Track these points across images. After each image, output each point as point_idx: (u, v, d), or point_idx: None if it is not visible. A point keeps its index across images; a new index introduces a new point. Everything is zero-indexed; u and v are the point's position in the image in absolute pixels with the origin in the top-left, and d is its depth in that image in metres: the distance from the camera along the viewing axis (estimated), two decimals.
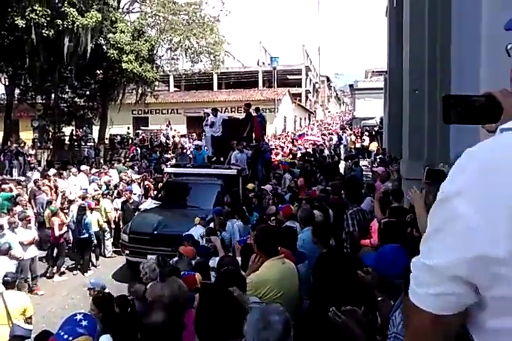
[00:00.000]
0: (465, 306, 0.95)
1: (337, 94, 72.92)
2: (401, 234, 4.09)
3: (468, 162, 0.94)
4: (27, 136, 28.86)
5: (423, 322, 0.98)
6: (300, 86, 43.16)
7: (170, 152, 23.64)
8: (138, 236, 9.77)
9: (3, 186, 12.55)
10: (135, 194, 13.34)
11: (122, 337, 2.64)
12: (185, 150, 19.53)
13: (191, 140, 25.60)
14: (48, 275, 10.33)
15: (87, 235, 10.66)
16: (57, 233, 10.18)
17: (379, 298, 2.82)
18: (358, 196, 7.16)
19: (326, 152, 24.12)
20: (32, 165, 20.36)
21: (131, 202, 12.09)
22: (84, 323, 2.42)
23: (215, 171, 11.75)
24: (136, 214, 11.46)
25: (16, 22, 18.19)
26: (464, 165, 0.94)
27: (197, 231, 8.02)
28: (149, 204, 11.56)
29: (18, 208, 10.53)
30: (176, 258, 6.45)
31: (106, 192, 12.36)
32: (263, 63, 41.86)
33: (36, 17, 18.17)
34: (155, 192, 13.50)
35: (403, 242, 3.35)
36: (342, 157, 22.86)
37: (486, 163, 0.90)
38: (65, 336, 2.23)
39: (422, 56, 7.81)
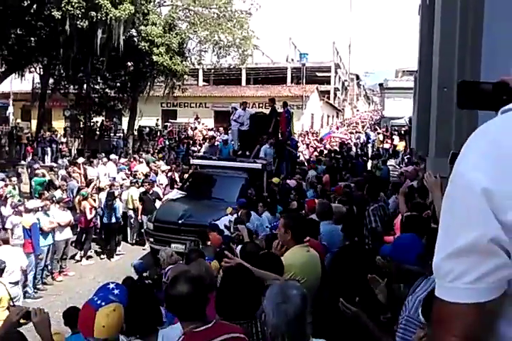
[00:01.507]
0: (505, 282, 0.93)
1: (366, 92, 72.06)
2: (422, 228, 4.14)
3: (479, 138, 0.99)
4: (59, 124, 29.54)
5: (467, 316, 0.93)
6: (329, 83, 42.82)
7: (197, 145, 23.89)
8: (163, 225, 10.01)
9: (37, 171, 13.04)
10: (161, 184, 13.61)
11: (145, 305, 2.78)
12: (215, 143, 19.63)
13: (219, 134, 25.80)
14: (76, 258, 10.70)
15: (114, 220, 10.98)
16: (88, 216, 10.55)
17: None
18: (378, 193, 7.23)
19: (354, 150, 24.08)
20: (63, 153, 20.94)
21: (150, 192, 12.27)
22: (116, 292, 2.62)
23: (241, 164, 11.88)
24: (156, 204, 11.73)
25: (53, 13, 18.66)
26: (474, 143, 1.00)
27: (227, 221, 8.13)
28: (175, 194, 11.81)
29: (51, 193, 10.93)
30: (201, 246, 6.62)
31: (134, 181, 12.65)
32: (292, 59, 41.72)
33: (72, 9, 18.57)
34: (179, 183, 13.73)
35: (424, 235, 3.40)
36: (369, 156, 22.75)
37: (494, 139, 0.95)
38: (98, 301, 2.40)
39: (452, 53, 7.75)
